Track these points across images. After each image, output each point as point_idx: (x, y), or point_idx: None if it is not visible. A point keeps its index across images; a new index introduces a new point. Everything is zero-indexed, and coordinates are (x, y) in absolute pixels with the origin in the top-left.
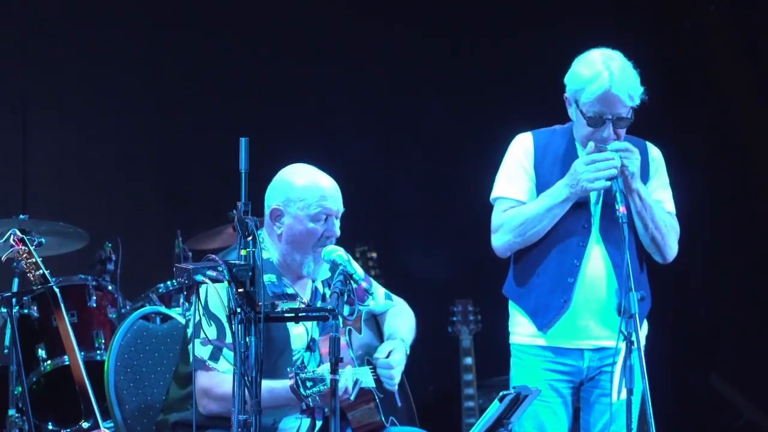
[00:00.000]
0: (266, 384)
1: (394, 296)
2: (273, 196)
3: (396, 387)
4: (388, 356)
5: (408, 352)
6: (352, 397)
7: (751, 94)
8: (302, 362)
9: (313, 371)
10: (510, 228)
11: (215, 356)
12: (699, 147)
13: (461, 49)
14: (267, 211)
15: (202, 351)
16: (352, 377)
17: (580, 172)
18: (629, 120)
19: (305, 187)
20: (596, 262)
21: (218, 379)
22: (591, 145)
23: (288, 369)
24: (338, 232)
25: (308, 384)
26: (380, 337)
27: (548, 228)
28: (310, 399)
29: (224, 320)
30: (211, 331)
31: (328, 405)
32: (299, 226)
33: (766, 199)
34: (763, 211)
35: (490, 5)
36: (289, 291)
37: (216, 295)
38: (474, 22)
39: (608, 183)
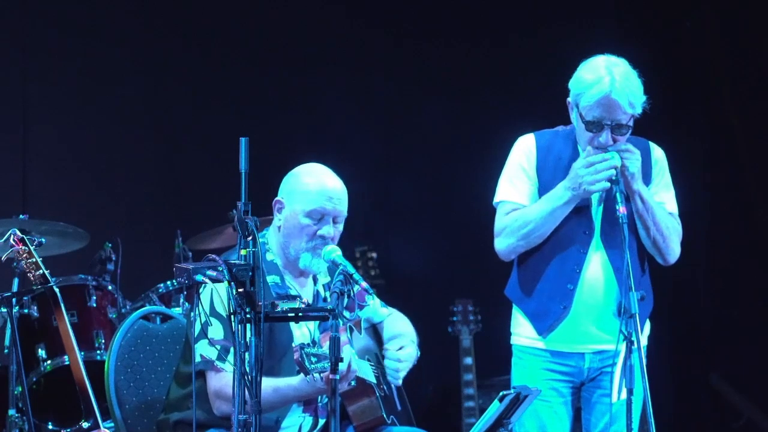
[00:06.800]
0: (271, 382)
1: (389, 307)
2: (280, 189)
3: (399, 381)
4: (399, 350)
5: (418, 354)
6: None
7: (748, 94)
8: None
9: (318, 347)
10: (512, 231)
11: (222, 357)
12: (699, 147)
13: (461, 50)
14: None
15: (209, 351)
16: (350, 355)
17: (581, 175)
18: (629, 128)
19: (308, 184)
20: (597, 268)
21: (227, 379)
22: (589, 149)
23: (292, 345)
24: (332, 233)
25: (313, 359)
26: (380, 344)
27: (551, 230)
28: (315, 374)
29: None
30: (217, 332)
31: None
32: (293, 220)
33: (765, 199)
34: (763, 211)
35: (490, 7)
36: (293, 293)
37: (220, 296)
38: (474, 23)
39: (608, 184)
